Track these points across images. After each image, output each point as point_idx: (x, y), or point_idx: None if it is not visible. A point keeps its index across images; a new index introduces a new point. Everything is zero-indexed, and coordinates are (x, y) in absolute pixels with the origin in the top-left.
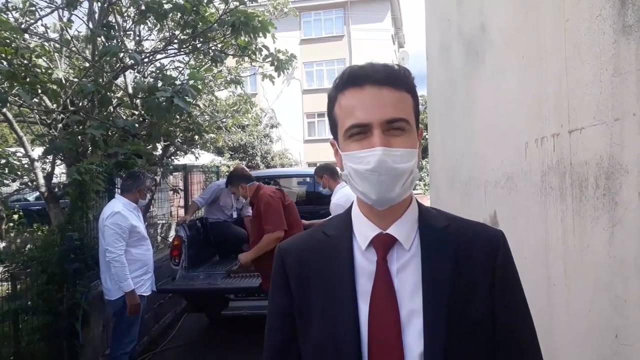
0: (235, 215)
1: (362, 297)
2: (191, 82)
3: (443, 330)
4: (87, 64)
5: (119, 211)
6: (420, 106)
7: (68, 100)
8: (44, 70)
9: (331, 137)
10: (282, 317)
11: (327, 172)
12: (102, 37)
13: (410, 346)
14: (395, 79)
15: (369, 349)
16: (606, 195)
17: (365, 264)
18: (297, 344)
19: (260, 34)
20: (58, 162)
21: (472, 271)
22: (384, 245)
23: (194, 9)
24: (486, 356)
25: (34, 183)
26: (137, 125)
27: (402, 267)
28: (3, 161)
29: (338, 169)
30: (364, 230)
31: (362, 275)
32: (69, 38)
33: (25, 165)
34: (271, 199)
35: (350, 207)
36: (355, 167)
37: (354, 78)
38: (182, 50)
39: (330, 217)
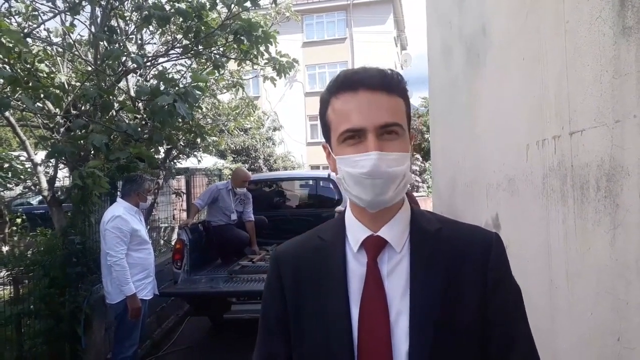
0: (235, 217)
1: (354, 299)
2: (194, 84)
3: (429, 330)
4: (90, 68)
5: (119, 215)
6: (422, 108)
7: (71, 104)
8: (46, 74)
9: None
10: (277, 322)
11: None
12: (105, 41)
13: (398, 345)
14: (389, 83)
15: (358, 350)
16: (607, 198)
17: (356, 267)
18: (289, 350)
19: (263, 45)
20: (61, 165)
21: (463, 274)
22: (374, 247)
23: (196, 14)
24: (474, 357)
25: (37, 187)
26: (139, 129)
27: (393, 269)
28: (6, 165)
29: (332, 172)
30: (355, 233)
31: (353, 277)
32: (72, 42)
33: (28, 169)
34: None
35: (345, 211)
36: (350, 170)
37: (349, 82)
38: (184, 54)
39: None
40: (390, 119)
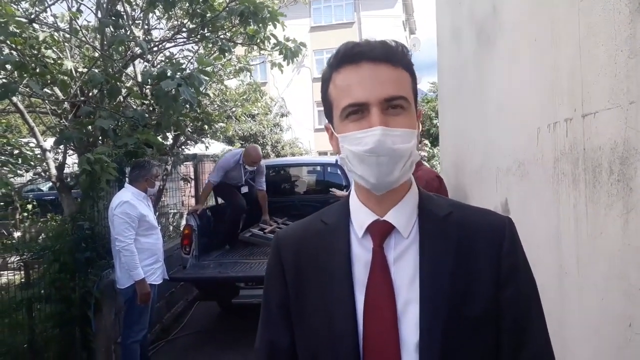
0: (245, 190)
1: (359, 286)
2: (200, 67)
3: (440, 321)
4: (96, 54)
5: (127, 200)
6: (431, 93)
7: (78, 90)
8: (53, 60)
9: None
10: (278, 308)
11: None
12: (111, 26)
13: (406, 337)
14: (393, 55)
15: (364, 339)
16: (621, 181)
17: (361, 253)
18: (291, 336)
19: (270, 24)
20: (70, 152)
21: (474, 261)
22: (380, 232)
23: None
24: (487, 349)
25: (47, 173)
26: (146, 114)
27: (400, 255)
28: (16, 152)
29: (338, 156)
30: (360, 218)
31: (358, 264)
32: (78, 28)
33: (38, 156)
34: None
35: (350, 194)
36: (353, 148)
37: (350, 55)
38: (190, 39)
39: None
40: (394, 91)
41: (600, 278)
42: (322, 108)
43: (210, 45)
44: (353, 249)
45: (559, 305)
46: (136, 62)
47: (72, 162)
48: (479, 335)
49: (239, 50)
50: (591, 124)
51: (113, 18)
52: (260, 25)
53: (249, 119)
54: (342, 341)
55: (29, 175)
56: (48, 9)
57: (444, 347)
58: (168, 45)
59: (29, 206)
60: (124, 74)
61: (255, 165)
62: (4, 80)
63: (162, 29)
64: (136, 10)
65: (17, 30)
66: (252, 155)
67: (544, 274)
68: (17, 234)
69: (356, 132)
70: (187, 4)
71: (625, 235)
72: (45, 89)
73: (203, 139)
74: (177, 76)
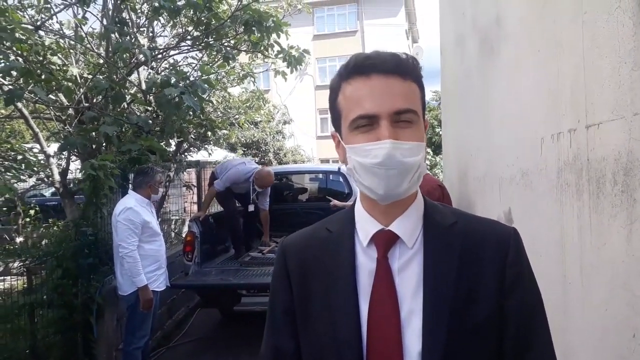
0: (251, 208)
1: (363, 295)
2: (204, 76)
3: (442, 330)
4: (101, 61)
5: (131, 207)
6: (434, 102)
7: (82, 97)
8: (59, 67)
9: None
10: (283, 314)
11: None
12: (116, 33)
13: (410, 346)
14: (404, 68)
15: (367, 348)
16: (624, 192)
17: (366, 262)
18: (295, 342)
19: (274, 34)
20: (73, 158)
21: (478, 271)
22: (384, 242)
23: (207, 5)
24: (489, 357)
25: (50, 179)
26: (150, 121)
27: (404, 265)
28: (20, 157)
29: (342, 165)
30: (365, 227)
31: (362, 273)
32: (83, 35)
33: (41, 161)
34: None
35: (355, 203)
36: (361, 160)
37: (361, 67)
38: (195, 46)
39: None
40: (404, 105)
41: (604, 288)
42: (324, 116)
43: (215, 53)
44: (358, 257)
45: (562, 315)
46: (140, 69)
47: (75, 167)
48: (481, 343)
49: (243, 57)
50: (595, 135)
51: (118, 25)
52: (265, 33)
53: (252, 126)
54: (346, 349)
55: (32, 181)
56: (54, 16)
57: (446, 355)
58: (172, 52)
59: (32, 211)
60: (128, 81)
61: (264, 188)
62: (9, 86)
63: (166, 36)
64: (141, 18)
65: (23, 37)
66: (265, 180)
67: (546, 284)
68: (19, 239)
69: (365, 144)
70: (192, 12)
71: (629, 245)
72: (50, 95)
73: (206, 146)
74: (181, 84)
